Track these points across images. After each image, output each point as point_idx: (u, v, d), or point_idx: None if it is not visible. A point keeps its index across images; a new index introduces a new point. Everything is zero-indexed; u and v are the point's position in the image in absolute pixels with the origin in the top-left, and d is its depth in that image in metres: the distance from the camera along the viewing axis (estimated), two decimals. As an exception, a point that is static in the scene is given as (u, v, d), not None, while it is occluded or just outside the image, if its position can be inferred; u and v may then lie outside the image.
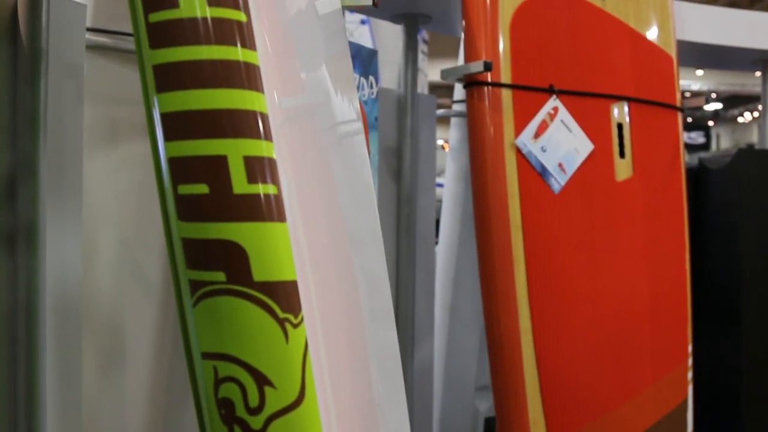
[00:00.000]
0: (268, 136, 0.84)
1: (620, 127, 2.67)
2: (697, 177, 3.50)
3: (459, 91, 3.24)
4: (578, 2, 2.62)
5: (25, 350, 1.63)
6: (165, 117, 0.80)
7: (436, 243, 3.27)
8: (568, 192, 2.48)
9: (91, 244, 2.00)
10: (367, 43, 6.28)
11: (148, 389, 2.12)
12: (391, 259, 2.78)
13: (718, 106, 23.92)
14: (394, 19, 2.85)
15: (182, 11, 0.80)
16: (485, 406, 3.22)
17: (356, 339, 1.36)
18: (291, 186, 1.02)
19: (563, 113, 2.48)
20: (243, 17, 0.83)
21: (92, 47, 1.97)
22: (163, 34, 0.81)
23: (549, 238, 2.47)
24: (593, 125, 2.58)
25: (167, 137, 0.81)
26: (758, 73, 3.65)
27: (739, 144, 25.44)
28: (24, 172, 1.65)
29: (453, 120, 3.13)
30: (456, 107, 3.14)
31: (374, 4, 1.67)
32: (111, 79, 2.09)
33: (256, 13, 1.02)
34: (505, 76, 2.42)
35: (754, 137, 25.58)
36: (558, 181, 2.45)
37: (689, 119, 24.92)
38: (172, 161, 0.81)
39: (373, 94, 2.24)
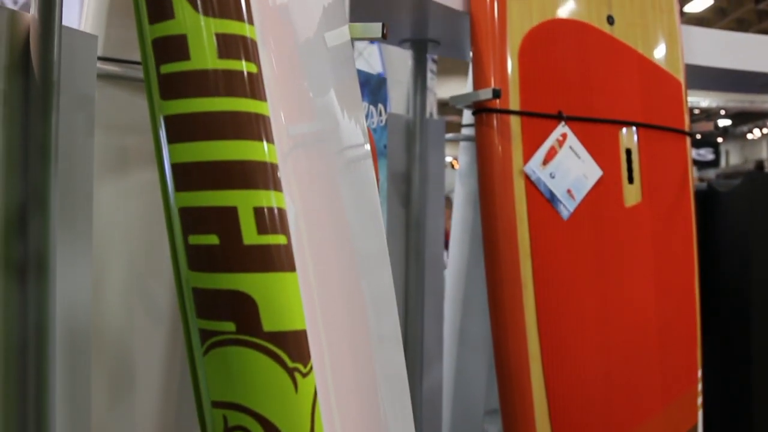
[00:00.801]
0: (277, 186, 0.84)
1: (629, 152, 2.67)
2: (707, 200, 3.49)
3: (468, 115, 3.25)
4: (586, 28, 2.63)
5: (35, 379, 1.63)
6: (176, 167, 0.81)
7: (445, 266, 3.27)
8: (576, 218, 2.48)
9: (101, 270, 2.01)
10: (377, 62, 6.30)
11: (158, 417, 2.12)
12: (400, 283, 2.79)
13: (727, 122, 23.90)
14: (403, 44, 2.86)
15: (193, 63, 0.81)
16: (494, 430, 3.21)
17: (364, 363, 1.36)
18: (299, 211, 1.03)
19: (572, 139, 2.48)
20: (254, 68, 0.83)
21: (103, 76, 1.98)
22: (175, 86, 0.82)
23: (558, 265, 2.47)
24: (602, 151, 2.58)
25: (178, 187, 0.81)
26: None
27: (748, 160, 25.37)
28: (35, 203, 1.65)
29: (462, 144, 3.14)
30: (465, 131, 3.14)
31: (383, 35, 1.67)
32: (122, 107, 2.10)
33: (266, 38, 1.03)
34: (514, 103, 2.43)
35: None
36: (567, 208, 2.45)
37: (698, 135, 24.91)
38: (182, 211, 0.81)
39: (382, 121, 2.25)
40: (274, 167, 0.84)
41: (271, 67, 1.03)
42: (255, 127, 0.82)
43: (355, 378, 1.29)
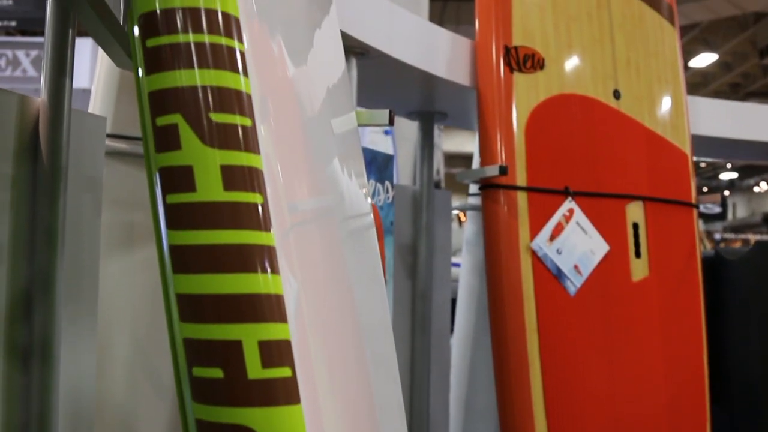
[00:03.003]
0: (282, 318, 0.84)
1: (636, 226, 2.67)
2: (714, 268, 3.47)
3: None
4: (593, 103, 2.64)
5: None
6: (181, 298, 0.81)
7: (452, 334, 3.26)
8: (583, 294, 2.47)
9: (106, 346, 2.00)
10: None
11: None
12: (406, 354, 2.77)
13: (734, 175, 23.93)
14: (411, 116, 2.88)
15: (199, 195, 0.81)
16: (500, 503, 3.16)
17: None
18: (305, 282, 1.03)
19: (579, 215, 2.48)
20: (260, 199, 0.83)
21: (110, 153, 1.99)
22: (181, 217, 0.82)
23: (564, 341, 2.45)
24: (609, 225, 2.58)
25: (183, 318, 0.81)
26: None
27: (755, 213, 25.35)
28: (40, 287, 1.65)
29: (469, 213, 3.14)
30: (472, 200, 3.14)
31: (390, 122, 1.68)
32: (129, 183, 2.11)
33: (274, 112, 1.04)
34: (521, 179, 2.43)
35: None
36: (574, 284, 2.44)
37: (705, 189, 24.90)
38: (187, 343, 0.81)
39: (389, 198, 2.25)
40: (279, 299, 0.84)
41: (280, 141, 1.04)
42: (261, 260, 0.82)
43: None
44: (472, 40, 2.59)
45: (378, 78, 2.43)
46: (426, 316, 2.77)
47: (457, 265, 3.50)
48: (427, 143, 2.83)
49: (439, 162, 8.70)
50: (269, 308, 0.82)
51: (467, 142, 14.69)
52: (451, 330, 3.23)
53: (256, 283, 0.82)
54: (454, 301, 3.24)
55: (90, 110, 2.34)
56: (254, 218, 0.83)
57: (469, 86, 2.53)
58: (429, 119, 2.84)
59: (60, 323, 1.66)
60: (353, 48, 2.11)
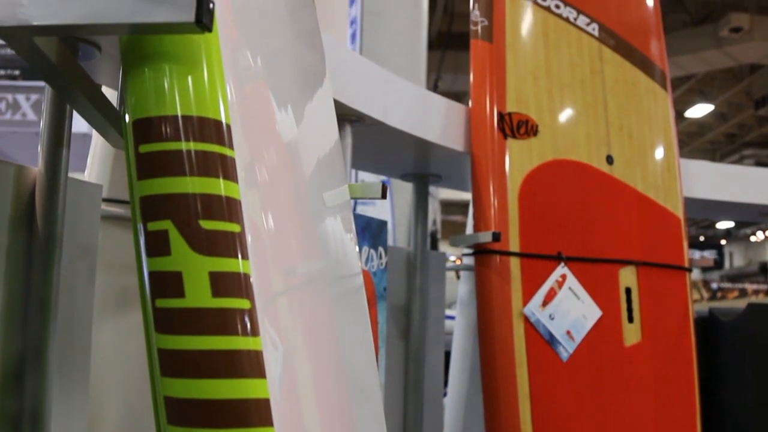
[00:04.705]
0: (269, 421, 0.85)
1: (628, 291, 2.68)
2: (708, 328, 3.47)
3: (469, 243, 3.27)
4: (586, 168, 2.67)
5: None
6: (168, 401, 0.81)
7: (445, 394, 3.24)
8: (576, 359, 2.47)
9: (97, 409, 2.00)
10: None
11: None
12: (399, 415, 2.76)
13: (730, 224, 23.97)
14: (405, 178, 2.90)
15: (188, 301, 0.82)
16: None
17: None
18: (298, 345, 1.04)
19: (571, 280, 2.49)
20: (247, 305, 0.85)
21: (106, 217, 1.99)
22: (170, 322, 0.83)
23: (557, 407, 2.44)
24: (601, 290, 2.59)
25: (170, 420, 0.82)
26: None
27: (752, 262, 25.34)
28: (32, 357, 1.65)
29: (463, 273, 3.15)
30: (466, 260, 3.15)
31: (383, 196, 1.70)
32: (124, 247, 2.11)
33: (267, 181, 1.05)
34: (514, 244, 2.44)
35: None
36: (566, 349, 2.45)
37: (701, 238, 24.92)
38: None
39: (382, 264, 2.27)
40: (266, 402, 0.84)
41: (269, 206, 1.05)
42: (248, 365, 0.83)
43: None
44: (467, 94, 2.62)
45: (373, 142, 2.45)
46: (419, 377, 2.76)
47: (452, 317, 3.50)
48: (421, 205, 2.85)
49: (435, 211, 8.73)
50: (257, 413, 0.83)
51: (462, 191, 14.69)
52: (445, 390, 3.22)
53: (244, 388, 0.83)
54: (448, 354, 3.24)
55: (86, 172, 2.35)
56: (241, 324, 0.84)
57: (463, 151, 2.55)
58: (423, 182, 2.86)
59: (51, 392, 1.66)
60: (348, 115, 2.13)
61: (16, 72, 9.80)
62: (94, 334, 1.87)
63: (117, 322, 2.12)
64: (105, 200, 2.04)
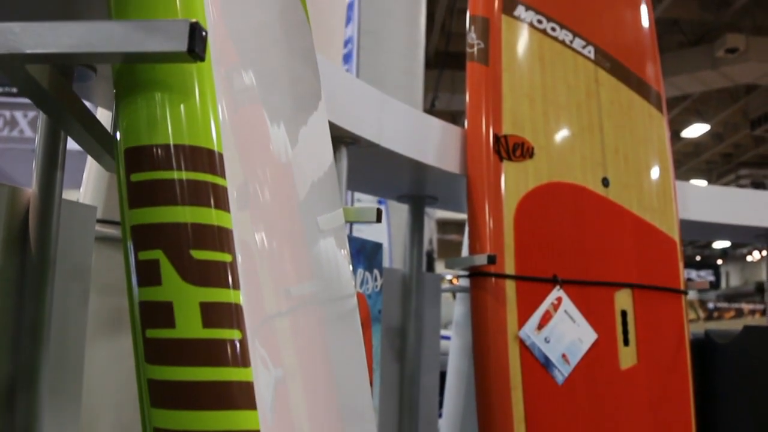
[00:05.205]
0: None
1: (624, 314, 2.67)
2: (704, 351, 3.46)
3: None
4: (582, 191, 2.67)
5: None
6: (158, 433, 0.81)
7: (441, 415, 3.23)
8: (571, 383, 2.46)
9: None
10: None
11: None
12: (394, 439, 2.75)
13: (727, 244, 23.98)
14: (401, 199, 2.90)
15: (178, 332, 0.82)
16: None
17: None
18: (292, 369, 1.03)
19: (567, 303, 2.49)
20: (238, 335, 0.84)
21: (99, 238, 1.99)
22: (160, 352, 0.83)
23: (552, 430, 2.43)
24: (597, 313, 2.58)
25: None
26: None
27: (748, 282, 25.34)
28: (24, 380, 1.64)
29: (459, 295, 3.14)
30: (462, 282, 3.15)
31: (378, 220, 1.70)
32: (118, 269, 2.10)
33: (260, 201, 1.05)
34: (509, 267, 2.44)
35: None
36: (561, 373, 2.44)
37: (698, 257, 24.93)
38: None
39: (377, 287, 2.26)
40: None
41: (262, 226, 1.04)
42: (238, 397, 0.82)
43: None
44: (464, 114, 2.62)
45: (369, 164, 2.45)
46: (414, 399, 2.75)
47: (447, 338, 3.49)
48: (417, 227, 2.85)
49: (431, 231, 8.73)
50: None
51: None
52: (440, 411, 3.21)
53: (234, 420, 0.82)
54: (443, 375, 3.23)
55: (81, 191, 2.35)
56: (232, 355, 0.84)
57: (459, 173, 2.55)
58: (419, 203, 2.86)
59: (43, 416, 1.65)
60: (344, 138, 2.13)
61: (14, 89, 9.81)
62: (87, 356, 1.86)
63: (110, 344, 2.11)
64: (99, 221, 2.04)
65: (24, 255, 1.69)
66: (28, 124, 10.74)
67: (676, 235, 2.91)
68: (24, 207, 1.67)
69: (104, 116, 2.15)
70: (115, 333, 2.13)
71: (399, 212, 5.96)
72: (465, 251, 2.84)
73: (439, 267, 11.12)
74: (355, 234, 5.01)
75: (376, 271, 2.25)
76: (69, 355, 1.77)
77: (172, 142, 0.85)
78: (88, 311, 1.84)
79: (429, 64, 9.93)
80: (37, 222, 1.66)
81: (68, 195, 1.72)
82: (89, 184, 2.30)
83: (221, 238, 0.86)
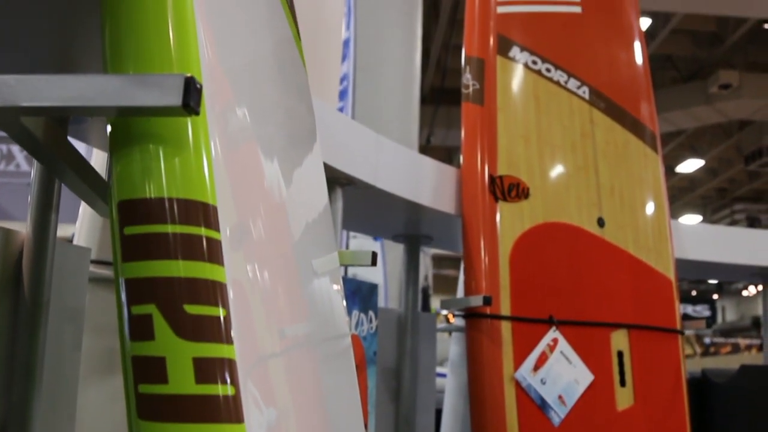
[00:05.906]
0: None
1: (620, 354, 2.66)
2: (701, 390, 3.45)
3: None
4: (577, 231, 2.67)
5: None
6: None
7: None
8: (568, 424, 2.45)
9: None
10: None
11: None
12: (389, 481, 2.72)
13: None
14: (397, 239, 2.90)
15: (171, 387, 0.81)
16: None
17: None
18: (286, 408, 1.02)
19: (563, 344, 2.48)
20: (232, 391, 0.84)
21: (93, 279, 1.98)
22: (152, 408, 0.82)
23: (549, 473, 2.41)
24: (593, 354, 2.57)
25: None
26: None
27: (744, 317, 25.31)
28: (16, 423, 1.62)
29: (454, 334, 3.13)
30: (457, 321, 3.14)
31: (373, 263, 1.69)
32: (111, 310, 2.08)
33: (254, 241, 1.04)
34: (505, 308, 2.43)
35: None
36: (558, 414, 2.42)
37: (693, 292, 24.90)
38: None
39: (372, 329, 2.25)
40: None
41: (256, 266, 1.04)
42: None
43: None
44: (460, 149, 2.63)
45: (364, 204, 2.45)
46: (409, 441, 2.73)
47: (443, 375, 3.48)
48: (413, 266, 2.84)
49: (427, 266, 8.70)
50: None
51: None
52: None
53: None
54: (439, 413, 3.20)
55: (77, 230, 2.35)
56: (225, 411, 0.83)
57: (454, 214, 2.55)
58: (414, 243, 2.86)
59: (35, 459, 1.63)
60: (339, 179, 2.14)
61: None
62: (80, 397, 1.85)
63: (103, 385, 2.10)
64: (93, 262, 2.03)
65: (17, 297, 1.68)
66: (24, 158, 10.76)
67: (671, 275, 2.91)
68: (18, 249, 1.67)
69: (100, 157, 2.16)
70: (109, 374, 2.12)
71: (395, 248, 5.95)
72: (461, 287, 2.83)
73: (435, 302, 11.10)
74: (351, 269, 5.00)
75: (371, 313, 2.25)
76: (62, 397, 1.75)
77: (166, 195, 0.85)
78: (81, 353, 1.83)
79: (425, 99, 9.98)
80: (31, 264, 1.66)
81: (63, 230, 1.72)
82: (84, 221, 2.30)
83: (215, 293, 0.86)
